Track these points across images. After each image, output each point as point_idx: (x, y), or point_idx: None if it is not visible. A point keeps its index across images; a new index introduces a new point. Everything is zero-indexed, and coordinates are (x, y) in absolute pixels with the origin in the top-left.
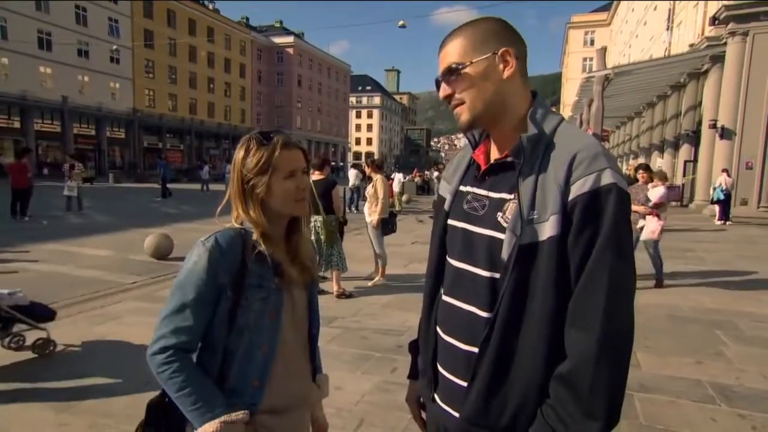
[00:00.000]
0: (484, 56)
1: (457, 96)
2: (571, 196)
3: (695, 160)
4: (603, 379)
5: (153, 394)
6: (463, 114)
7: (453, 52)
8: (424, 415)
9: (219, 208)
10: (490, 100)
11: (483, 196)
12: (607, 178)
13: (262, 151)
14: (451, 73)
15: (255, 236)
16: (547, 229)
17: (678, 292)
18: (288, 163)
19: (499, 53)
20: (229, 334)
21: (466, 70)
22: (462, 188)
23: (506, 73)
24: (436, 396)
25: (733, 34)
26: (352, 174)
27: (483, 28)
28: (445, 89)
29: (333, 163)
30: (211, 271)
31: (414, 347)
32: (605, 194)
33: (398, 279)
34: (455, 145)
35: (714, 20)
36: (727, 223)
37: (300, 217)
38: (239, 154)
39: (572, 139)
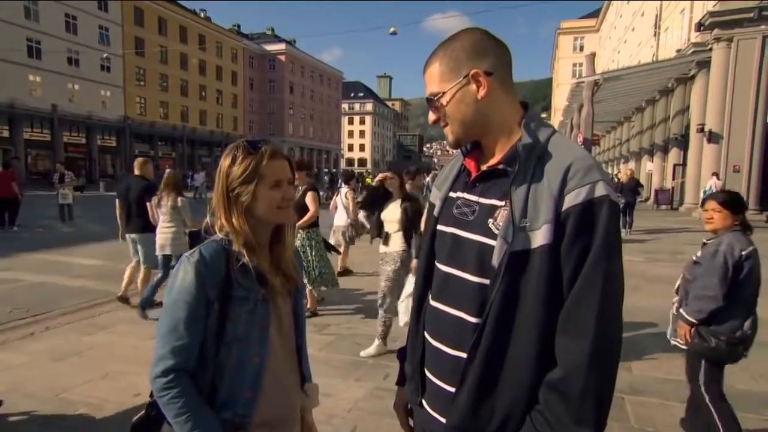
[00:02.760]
0: (456, 82)
1: (442, 121)
2: (564, 207)
3: (684, 164)
4: (593, 386)
5: (142, 406)
6: (449, 135)
7: (430, 80)
8: (411, 422)
9: (207, 219)
10: (470, 122)
11: (473, 202)
12: (600, 190)
13: (249, 159)
14: (432, 103)
15: (236, 246)
16: (539, 237)
17: (669, 295)
18: (274, 173)
19: (470, 76)
20: (218, 347)
21: (442, 99)
22: (452, 194)
23: (480, 94)
24: (423, 401)
25: (718, 39)
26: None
27: (456, 49)
28: (431, 116)
29: (326, 170)
30: (199, 286)
31: (402, 354)
32: (599, 205)
33: None
34: (447, 151)
35: (699, 26)
36: None
37: (284, 225)
38: (225, 162)
39: (566, 151)
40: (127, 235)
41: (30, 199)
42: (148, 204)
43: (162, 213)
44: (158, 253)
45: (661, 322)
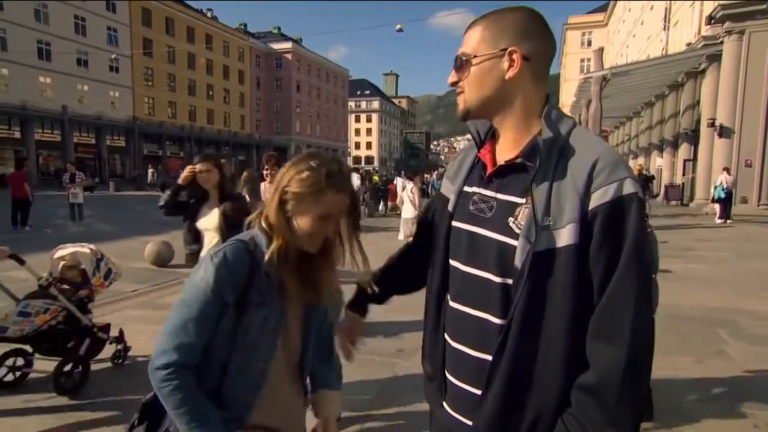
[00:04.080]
0: (491, 52)
1: (460, 84)
2: (591, 205)
3: (695, 159)
4: (630, 390)
5: None
6: (460, 104)
7: (469, 40)
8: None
9: (254, 214)
10: (488, 97)
11: (490, 197)
12: (628, 188)
13: (312, 180)
14: (460, 62)
15: (273, 245)
16: (564, 237)
17: (679, 291)
18: (330, 206)
19: (507, 51)
20: (228, 350)
21: (472, 61)
22: (467, 189)
23: (509, 73)
24: (445, 404)
25: (729, 33)
26: (354, 178)
27: (506, 21)
28: (452, 75)
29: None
30: (217, 289)
31: (380, 276)
32: (628, 203)
33: None
34: (455, 148)
35: (710, 19)
36: (728, 221)
37: (332, 239)
38: (298, 166)
39: (590, 145)
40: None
41: (41, 199)
42: None
43: None
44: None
45: (671, 318)
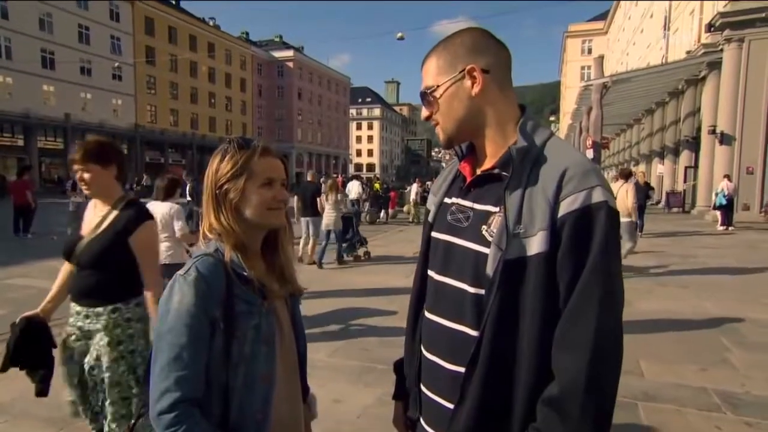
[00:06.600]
0: (451, 77)
1: (433, 117)
2: (560, 213)
3: (696, 166)
4: (593, 404)
5: None
6: (440, 134)
7: (426, 74)
8: None
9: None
10: (462, 119)
11: (467, 207)
12: (597, 196)
13: (240, 154)
14: (425, 97)
15: (227, 251)
16: (535, 245)
17: (681, 299)
18: (266, 170)
19: (466, 71)
20: (226, 368)
21: (435, 93)
22: (447, 200)
23: (474, 90)
24: (420, 417)
25: (729, 40)
26: (355, 185)
27: (455, 46)
28: (424, 111)
29: (335, 175)
30: (201, 306)
31: (399, 366)
32: (595, 212)
33: (400, 291)
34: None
35: (710, 27)
36: (730, 228)
37: (278, 230)
38: (215, 159)
39: (563, 154)
40: (302, 219)
41: (44, 206)
42: (318, 199)
43: (327, 204)
44: (323, 229)
45: (674, 325)
